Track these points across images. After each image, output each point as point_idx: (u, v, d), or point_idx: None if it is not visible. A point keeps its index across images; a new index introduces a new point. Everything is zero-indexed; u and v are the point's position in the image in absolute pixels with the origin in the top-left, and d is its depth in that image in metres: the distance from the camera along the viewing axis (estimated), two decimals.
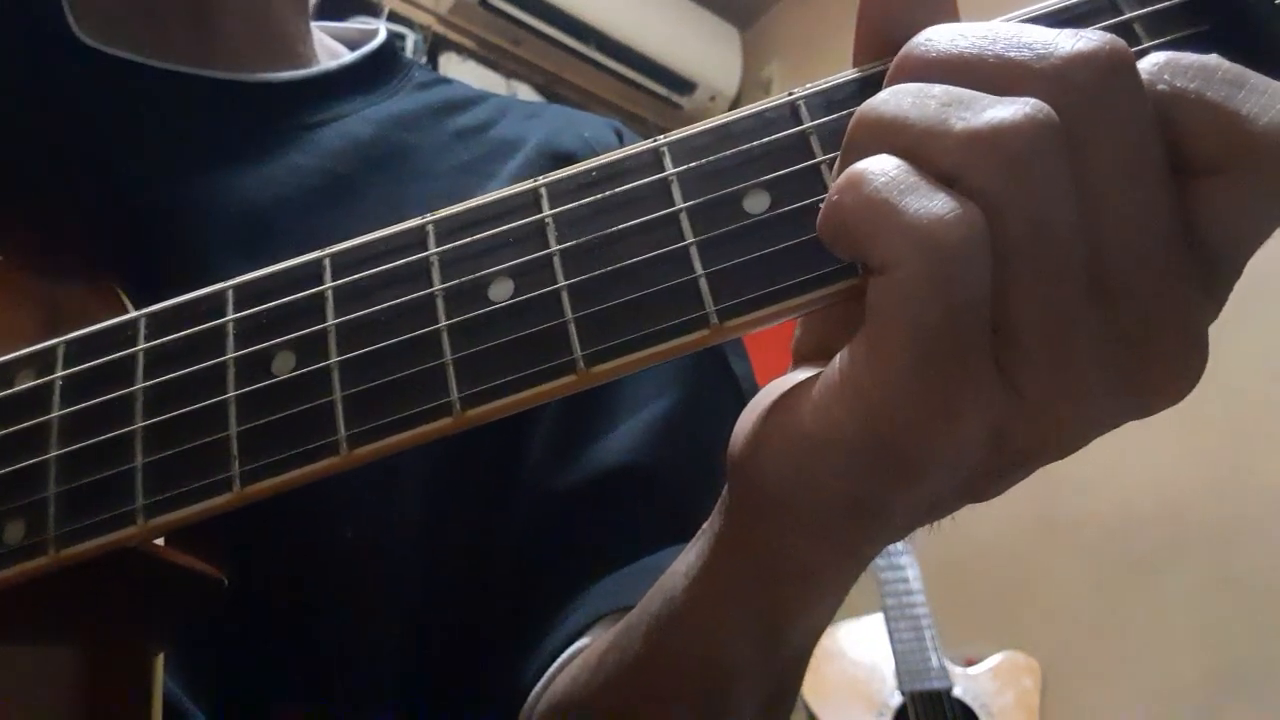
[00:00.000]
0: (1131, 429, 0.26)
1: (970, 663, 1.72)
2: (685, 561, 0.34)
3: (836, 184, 0.23)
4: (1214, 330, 0.24)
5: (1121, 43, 0.22)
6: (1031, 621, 1.70)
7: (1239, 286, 0.24)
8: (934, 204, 0.22)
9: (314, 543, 0.43)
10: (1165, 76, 0.23)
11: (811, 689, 1.65)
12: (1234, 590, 1.53)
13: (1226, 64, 0.22)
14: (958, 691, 1.66)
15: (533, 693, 0.43)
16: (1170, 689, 1.56)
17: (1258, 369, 1.49)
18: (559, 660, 0.43)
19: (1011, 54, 0.23)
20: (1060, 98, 0.22)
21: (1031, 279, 0.22)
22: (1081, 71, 0.22)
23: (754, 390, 0.53)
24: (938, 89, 0.23)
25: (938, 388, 0.22)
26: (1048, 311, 0.22)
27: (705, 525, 0.33)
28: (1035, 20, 0.26)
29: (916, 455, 0.24)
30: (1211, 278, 0.24)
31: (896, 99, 0.24)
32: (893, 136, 0.23)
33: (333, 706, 0.44)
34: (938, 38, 0.24)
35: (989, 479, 0.26)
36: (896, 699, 1.65)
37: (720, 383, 0.52)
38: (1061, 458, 0.26)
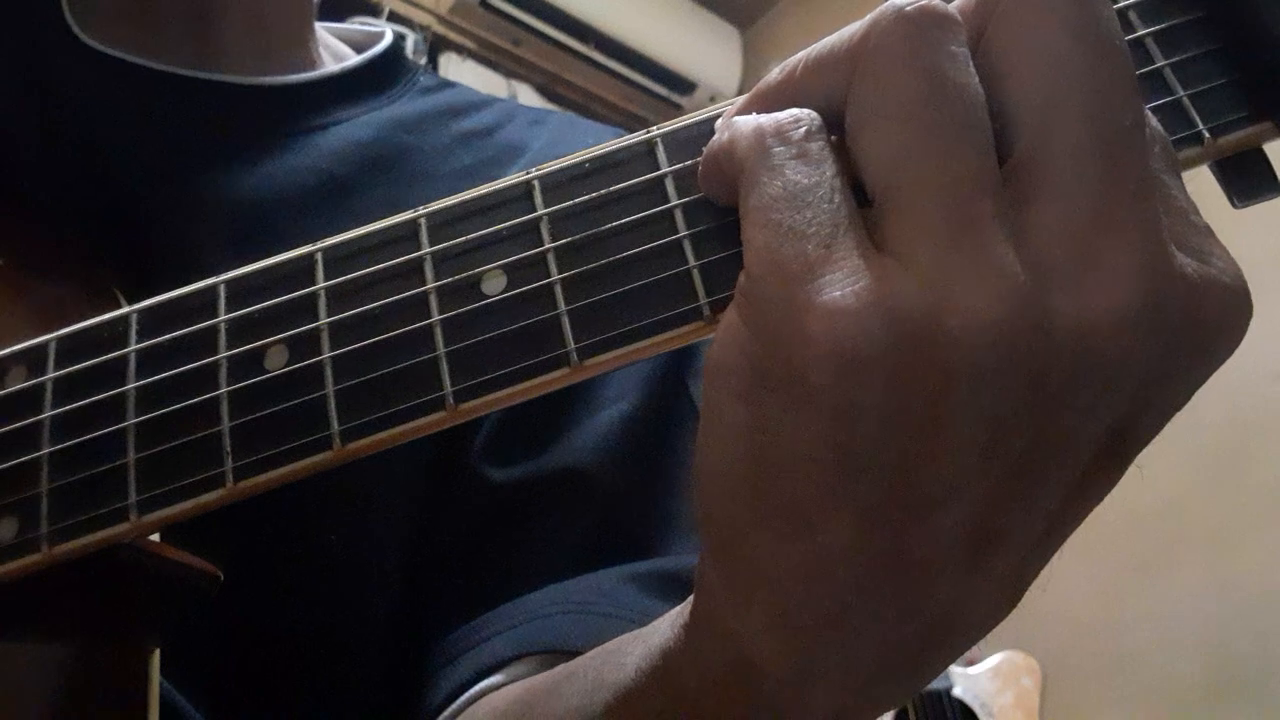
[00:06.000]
0: None
1: (970, 662, 1.72)
2: (624, 665, 0.30)
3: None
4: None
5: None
6: (1031, 621, 1.70)
7: None
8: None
9: (300, 544, 0.43)
10: None
11: None
12: (1234, 590, 1.53)
13: None
14: (958, 691, 1.66)
15: None
16: (1170, 689, 1.56)
17: (1258, 369, 1.49)
18: (467, 695, 0.41)
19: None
20: None
21: (916, 133, 0.22)
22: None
23: None
24: None
25: (791, 252, 0.22)
26: (923, 156, 0.22)
27: (657, 628, 0.30)
28: None
29: (796, 343, 0.21)
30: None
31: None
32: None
33: (313, 703, 0.43)
34: None
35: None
36: None
37: (679, 399, 0.50)
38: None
